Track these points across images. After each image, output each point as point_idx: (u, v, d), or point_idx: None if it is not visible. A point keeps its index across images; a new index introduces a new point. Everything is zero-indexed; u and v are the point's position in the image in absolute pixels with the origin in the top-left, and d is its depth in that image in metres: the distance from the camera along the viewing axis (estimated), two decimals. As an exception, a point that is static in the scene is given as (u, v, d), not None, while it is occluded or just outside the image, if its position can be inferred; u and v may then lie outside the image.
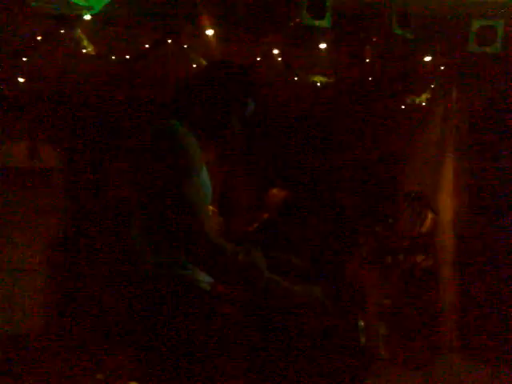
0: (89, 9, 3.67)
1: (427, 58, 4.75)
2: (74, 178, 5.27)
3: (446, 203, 5.37)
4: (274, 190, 5.16)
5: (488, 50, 4.33)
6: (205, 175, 1.74)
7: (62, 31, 4.01)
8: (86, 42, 4.07)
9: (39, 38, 4.03)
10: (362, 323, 3.38)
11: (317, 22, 4.20)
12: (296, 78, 4.63)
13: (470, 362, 4.80)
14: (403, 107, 5.22)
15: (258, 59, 4.44)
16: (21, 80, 4.58)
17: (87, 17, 3.97)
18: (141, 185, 1.70)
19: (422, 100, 5.13)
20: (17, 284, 5.39)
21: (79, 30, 4.02)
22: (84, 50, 4.07)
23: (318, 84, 4.73)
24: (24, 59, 4.16)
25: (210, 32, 4.21)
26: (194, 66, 4.32)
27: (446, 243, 5.38)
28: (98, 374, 4.25)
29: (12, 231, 5.37)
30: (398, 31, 4.39)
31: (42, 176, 5.48)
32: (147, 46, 4.14)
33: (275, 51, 4.46)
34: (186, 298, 1.64)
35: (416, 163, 5.75)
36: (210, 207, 5.56)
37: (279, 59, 4.49)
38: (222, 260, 1.62)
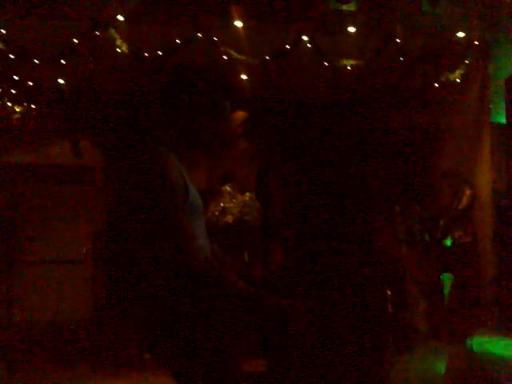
0: None
1: (460, 34, 4.68)
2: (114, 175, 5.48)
3: (484, 179, 5.31)
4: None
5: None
6: (192, 191, 1.79)
7: (96, 33, 4.15)
8: (119, 42, 4.21)
9: (76, 40, 4.18)
10: (389, 292, 3.46)
11: (344, 6, 4.21)
12: (326, 64, 4.63)
13: (509, 338, 4.80)
14: (437, 85, 5.14)
15: (288, 47, 4.46)
16: (61, 81, 4.77)
17: (120, 17, 4.11)
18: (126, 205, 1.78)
19: (457, 76, 5.05)
20: (63, 275, 5.66)
21: (113, 31, 4.15)
22: (118, 50, 4.21)
23: (349, 68, 4.72)
24: (63, 62, 4.32)
25: (238, 24, 4.28)
26: (225, 57, 4.40)
27: (484, 218, 5.34)
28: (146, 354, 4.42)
29: (59, 224, 5.65)
30: (427, 8, 4.34)
31: (86, 173, 5.74)
32: (178, 41, 4.23)
33: (305, 38, 4.47)
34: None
35: (453, 140, 5.69)
36: (248, 194, 5.62)
37: (308, 45, 4.50)
38: (208, 278, 1.67)
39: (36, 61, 4.32)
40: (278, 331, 1.72)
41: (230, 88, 1.92)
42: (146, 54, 4.34)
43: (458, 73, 4.97)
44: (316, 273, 4.77)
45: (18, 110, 5.11)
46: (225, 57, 4.38)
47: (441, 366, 4.08)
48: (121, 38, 4.22)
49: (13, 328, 5.07)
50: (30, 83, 4.69)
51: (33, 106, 5.17)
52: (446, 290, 5.39)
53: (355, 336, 4.63)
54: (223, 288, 1.67)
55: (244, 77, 4.87)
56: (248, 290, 1.68)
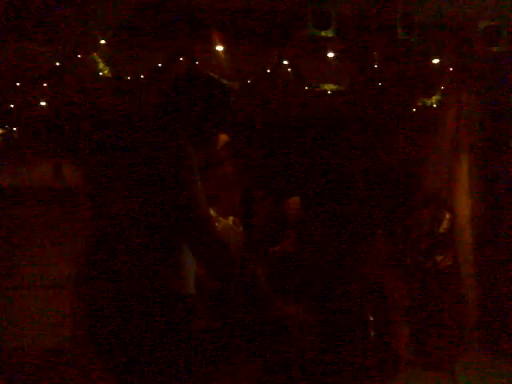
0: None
1: (435, 61, 4.82)
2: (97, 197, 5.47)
3: (463, 202, 5.39)
4: (292, 200, 5.27)
5: (494, 49, 4.39)
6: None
7: (79, 56, 4.22)
8: (101, 65, 4.28)
9: (58, 63, 4.24)
10: (371, 318, 3.45)
11: (322, 33, 4.33)
12: (307, 88, 4.73)
13: (494, 362, 4.77)
14: (414, 110, 5.27)
15: (268, 71, 4.57)
16: (43, 103, 4.80)
17: (102, 41, 4.18)
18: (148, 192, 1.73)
19: (433, 102, 5.17)
20: (43, 300, 5.55)
21: (95, 54, 4.22)
22: (101, 73, 4.27)
23: (329, 92, 4.82)
24: (45, 84, 4.36)
25: (220, 48, 4.37)
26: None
27: (465, 242, 5.39)
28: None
29: (40, 248, 5.58)
30: (403, 36, 4.48)
31: (67, 195, 5.70)
32: (160, 64, 4.31)
33: (285, 62, 4.58)
34: (163, 307, 1.66)
35: (431, 164, 5.78)
36: (231, 218, 5.65)
37: (289, 70, 4.60)
38: (225, 254, 1.70)
39: (18, 84, 4.36)
40: (278, 334, 1.73)
41: (229, 98, 1.99)
42: (129, 78, 4.40)
43: (434, 98, 5.10)
44: (299, 297, 4.75)
45: None
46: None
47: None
48: (103, 62, 4.29)
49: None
50: (12, 106, 4.72)
51: (14, 129, 5.19)
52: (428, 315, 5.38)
53: (339, 360, 4.59)
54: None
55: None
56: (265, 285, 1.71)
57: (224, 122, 1.99)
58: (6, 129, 5.16)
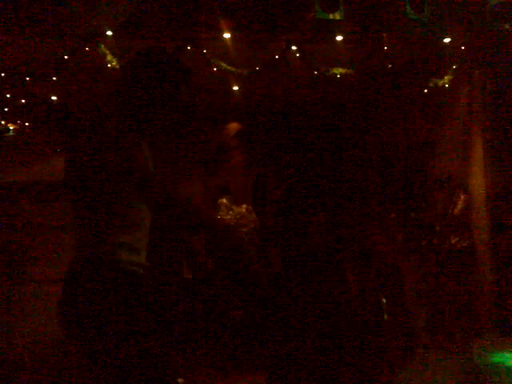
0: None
1: (446, 40, 4.74)
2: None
3: (478, 183, 5.33)
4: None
5: (506, 26, 4.31)
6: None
7: (86, 48, 4.21)
8: (110, 57, 4.26)
9: (66, 56, 4.23)
10: (384, 300, 3.43)
11: (330, 16, 4.27)
12: (316, 72, 4.68)
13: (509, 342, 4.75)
14: (426, 91, 5.19)
15: (277, 57, 4.52)
16: (53, 98, 4.81)
17: (109, 33, 4.17)
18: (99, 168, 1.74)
19: (445, 82, 5.09)
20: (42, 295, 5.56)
21: (103, 46, 4.21)
22: (109, 65, 4.26)
23: (338, 76, 4.77)
24: (54, 78, 4.36)
25: (227, 35, 4.34)
26: (215, 69, 4.45)
27: (480, 223, 5.34)
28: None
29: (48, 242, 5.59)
30: (414, 16, 4.40)
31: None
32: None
33: (293, 47, 4.53)
34: (115, 281, 1.67)
35: (446, 145, 5.72)
36: (244, 206, 5.63)
37: (297, 55, 4.55)
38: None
39: (27, 78, 4.36)
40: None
41: (187, 71, 1.91)
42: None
43: (446, 78, 5.02)
44: (311, 281, 4.74)
45: (11, 127, 5.14)
46: (215, 68, 4.43)
47: (443, 379, 4.02)
48: (111, 53, 4.27)
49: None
50: (23, 101, 4.73)
51: (26, 124, 5.20)
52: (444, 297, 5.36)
53: (351, 344, 4.59)
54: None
55: (235, 88, 4.92)
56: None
57: (185, 104, 1.91)
58: (18, 124, 5.18)
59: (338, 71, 4.74)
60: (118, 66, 4.29)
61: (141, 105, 1.83)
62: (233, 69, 4.51)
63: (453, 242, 5.36)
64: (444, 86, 5.09)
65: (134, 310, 1.66)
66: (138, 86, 1.83)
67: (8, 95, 4.72)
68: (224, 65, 4.44)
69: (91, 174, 1.73)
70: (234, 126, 5.20)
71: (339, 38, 4.46)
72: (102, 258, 1.69)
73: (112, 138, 1.75)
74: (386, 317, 4.85)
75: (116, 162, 1.71)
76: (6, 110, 4.89)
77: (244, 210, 5.81)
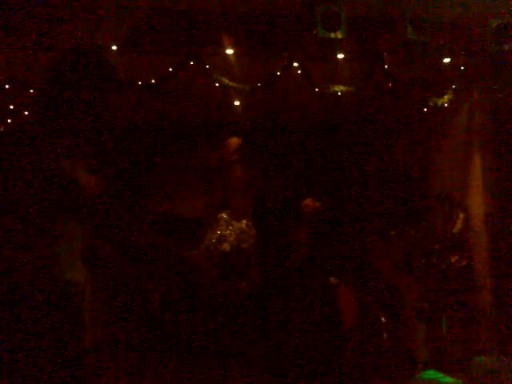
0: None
1: (446, 60, 4.80)
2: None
3: (477, 202, 5.34)
4: (307, 201, 5.26)
5: (506, 47, 4.36)
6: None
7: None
8: (113, 71, 4.29)
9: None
10: (383, 319, 3.43)
11: (332, 34, 4.33)
12: (317, 89, 4.73)
13: (510, 362, 4.71)
14: (426, 110, 5.24)
15: (278, 73, 4.57)
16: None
17: (113, 47, 4.21)
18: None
19: (445, 101, 5.14)
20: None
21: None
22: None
23: (339, 93, 4.81)
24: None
25: (230, 51, 4.39)
26: (217, 84, 4.49)
27: (479, 242, 5.34)
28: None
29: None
30: (413, 36, 4.46)
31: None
32: (170, 69, 4.32)
33: (295, 64, 4.58)
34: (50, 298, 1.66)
35: (445, 164, 5.75)
36: (244, 221, 5.64)
37: (299, 72, 4.60)
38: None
39: (31, 90, 4.39)
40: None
41: (110, 70, 1.87)
42: (140, 83, 4.42)
43: (446, 98, 5.06)
44: (311, 302, 4.74)
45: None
46: (217, 84, 4.47)
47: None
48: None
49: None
50: (26, 113, 4.75)
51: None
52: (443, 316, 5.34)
53: (351, 362, 4.57)
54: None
55: (237, 103, 4.97)
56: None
57: (110, 106, 1.86)
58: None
59: (339, 89, 4.78)
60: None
61: (62, 106, 1.76)
62: (235, 84, 4.55)
63: (452, 260, 5.36)
64: (444, 105, 5.13)
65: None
66: (60, 87, 1.77)
67: (11, 107, 4.75)
68: (226, 80, 4.48)
69: (6, 181, 1.69)
70: (234, 141, 5.21)
71: (340, 56, 4.52)
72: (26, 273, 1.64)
73: (30, 142, 1.69)
74: (385, 335, 4.85)
75: (34, 168, 1.64)
76: (9, 121, 4.91)
77: (244, 226, 5.80)
